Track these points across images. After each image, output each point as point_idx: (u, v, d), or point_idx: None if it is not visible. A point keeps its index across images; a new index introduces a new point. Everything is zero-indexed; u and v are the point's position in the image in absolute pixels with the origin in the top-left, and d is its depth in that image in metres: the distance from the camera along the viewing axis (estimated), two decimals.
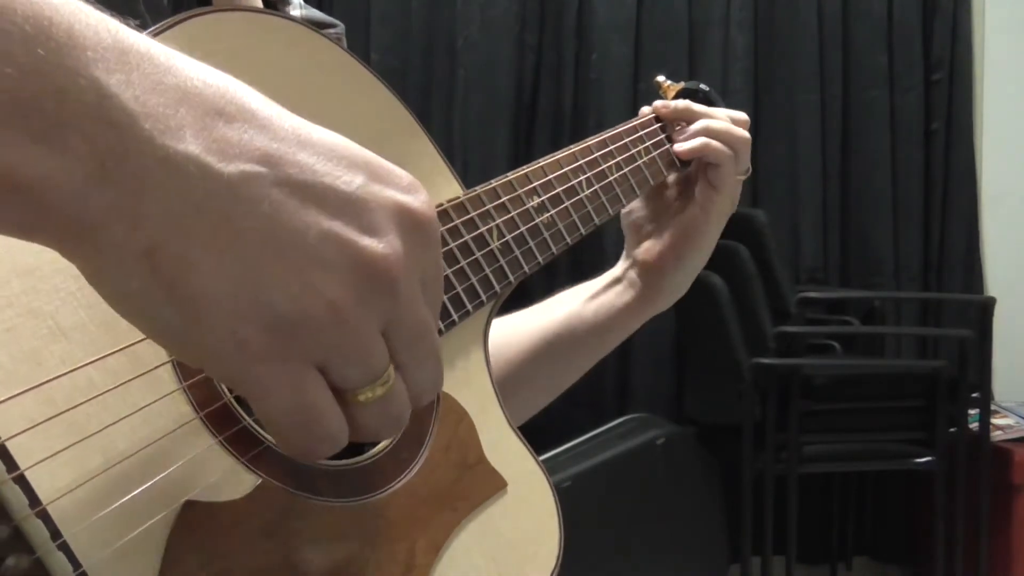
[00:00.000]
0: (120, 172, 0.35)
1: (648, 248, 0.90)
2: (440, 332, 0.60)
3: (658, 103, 0.92)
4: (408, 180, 0.41)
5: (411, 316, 0.40)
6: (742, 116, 0.92)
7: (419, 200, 0.41)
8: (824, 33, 3.49)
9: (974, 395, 2.97)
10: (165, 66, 0.37)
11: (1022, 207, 3.60)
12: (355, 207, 0.38)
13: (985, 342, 3.00)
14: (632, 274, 0.90)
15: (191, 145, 0.36)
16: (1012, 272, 3.58)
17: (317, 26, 0.61)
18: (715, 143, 0.88)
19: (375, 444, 0.55)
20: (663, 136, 0.90)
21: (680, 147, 0.89)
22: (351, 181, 0.39)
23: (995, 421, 3.08)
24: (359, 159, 0.40)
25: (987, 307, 3.09)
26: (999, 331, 3.05)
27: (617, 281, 0.91)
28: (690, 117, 0.90)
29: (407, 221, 0.40)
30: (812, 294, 3.15)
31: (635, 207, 0.91)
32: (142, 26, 0.40)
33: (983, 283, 3.57)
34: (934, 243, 3.53)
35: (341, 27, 0.84)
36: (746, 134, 0.90)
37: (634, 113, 0.91)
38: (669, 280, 0.89)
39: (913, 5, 3.54)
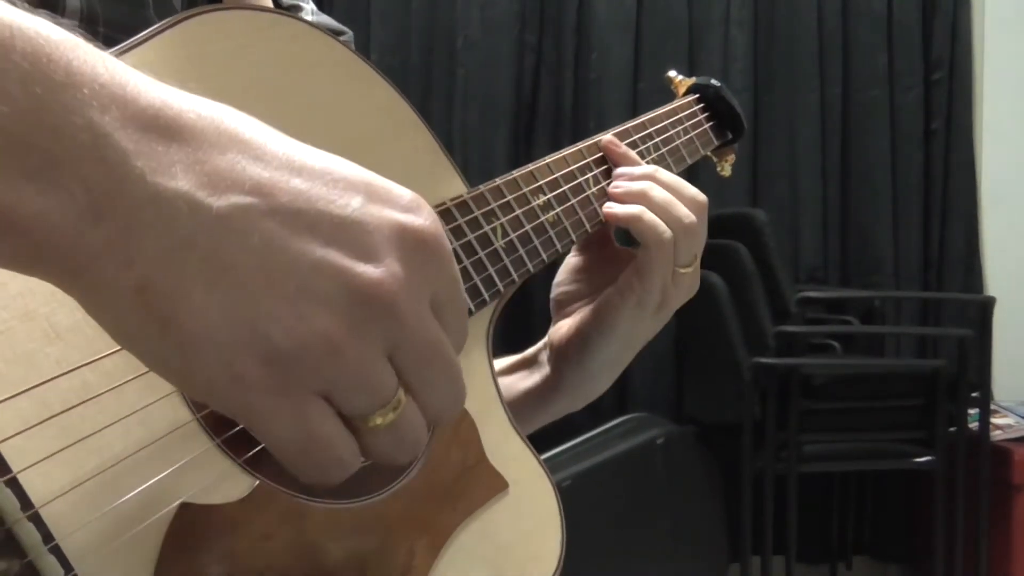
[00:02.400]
0: (112, 211, 0.35)
1: (559, 327, 0.78)
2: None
3: (606, 139, 0.78)
4: (408, 198, 0.40)
5: (417, 339, 0.39)
6: (700, 197, 0.75)
7: (421, 218, 0.39)
8: (824, 33, 3.49)
9: (974, 395, 2.97)
10: (159, 104, 0.36)
11: (1022, 207, 3.60)
12: (351, 231, 0.38)
13: (985, 342, 3.00)
14: (543, 356, 0.79)
15: (181, 182, 0.36)
16: (1012, 272, 3.57)
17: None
18: (649, 216, 0.72)
19: None
20: (679, 129, 0.85)
21: (610, 209, 0.74)
22: (347, 204, 0.38)
23: (995, 421, 3.08)
24: (356, 180, 0.39)
25: (987, 307, 3.08)
26: (999, 331, 3.05)
27: (528, 363, 0.80)
28: (631, 174, 0.74)
29: (408, 241, 0.39)
30: (812, 293, 3.15)
31: (563, 279, 0.80)
32: None
33: (983, 283, 3.57)
34: (934, 243, 3.53)
35: (350, 34, 0.83)
36: (693, 218, 0.73)
37: (634, 113, 0.89)
38: (573, 370, 0.77)
39: (913, 5, 3.53)
